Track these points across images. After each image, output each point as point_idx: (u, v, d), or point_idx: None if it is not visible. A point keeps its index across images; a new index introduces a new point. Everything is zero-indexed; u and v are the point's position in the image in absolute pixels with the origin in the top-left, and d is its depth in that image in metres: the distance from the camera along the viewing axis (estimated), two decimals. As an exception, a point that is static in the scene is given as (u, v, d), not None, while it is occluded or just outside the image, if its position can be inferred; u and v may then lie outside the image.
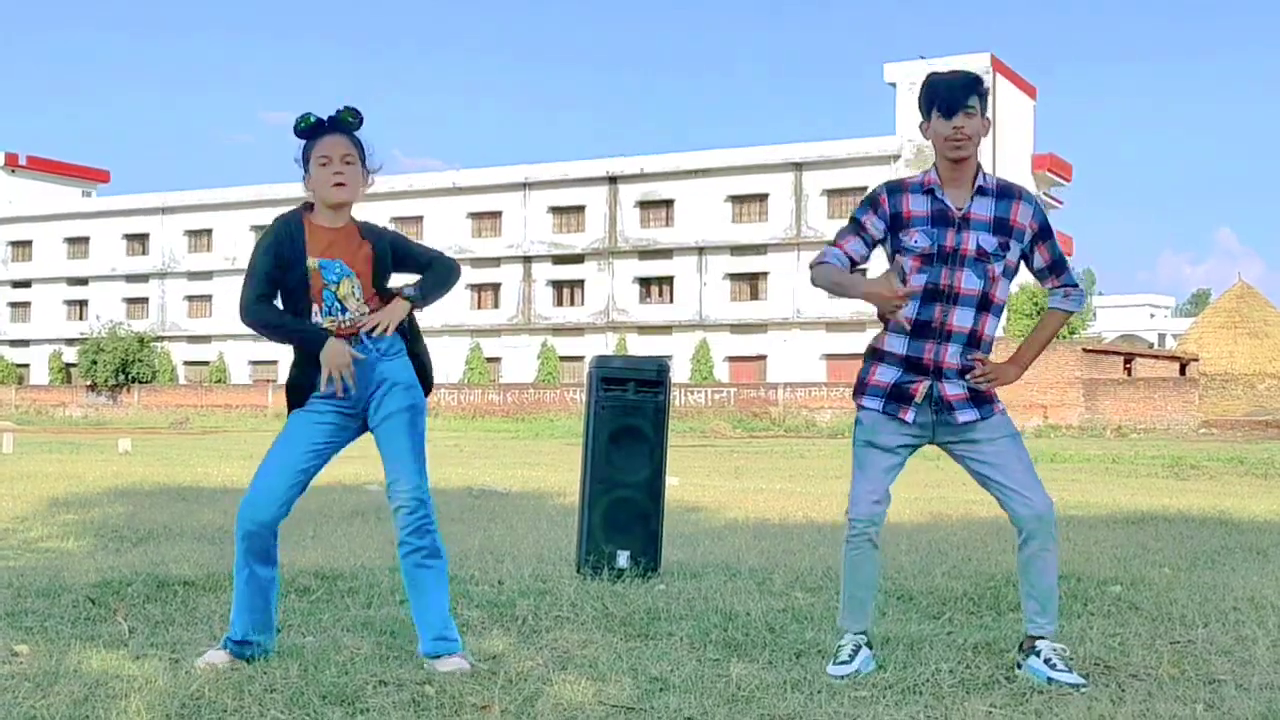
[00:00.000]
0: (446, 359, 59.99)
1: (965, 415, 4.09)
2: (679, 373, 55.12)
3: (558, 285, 62.06)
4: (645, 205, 60.32)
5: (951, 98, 4.01)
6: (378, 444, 4.21)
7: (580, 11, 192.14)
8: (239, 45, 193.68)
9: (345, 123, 4.19)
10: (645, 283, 60.52)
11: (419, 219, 62.00)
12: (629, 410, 6.09)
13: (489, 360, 61.59)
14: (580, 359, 57.29)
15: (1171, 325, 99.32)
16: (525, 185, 62.07)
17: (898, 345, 4.11)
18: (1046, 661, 4.01)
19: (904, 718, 3.55)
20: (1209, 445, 31.18)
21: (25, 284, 72.95)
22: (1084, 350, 45.69)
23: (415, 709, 3.58)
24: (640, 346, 57.39)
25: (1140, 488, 14.69)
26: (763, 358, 57.66)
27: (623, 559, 6.00)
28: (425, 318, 4.33)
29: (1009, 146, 56.44)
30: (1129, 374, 47.76)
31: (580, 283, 61.41)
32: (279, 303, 4.15)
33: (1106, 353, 48.82)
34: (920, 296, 4.05)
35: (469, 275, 62.22)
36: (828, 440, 35.89)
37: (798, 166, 57.08)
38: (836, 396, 49.59)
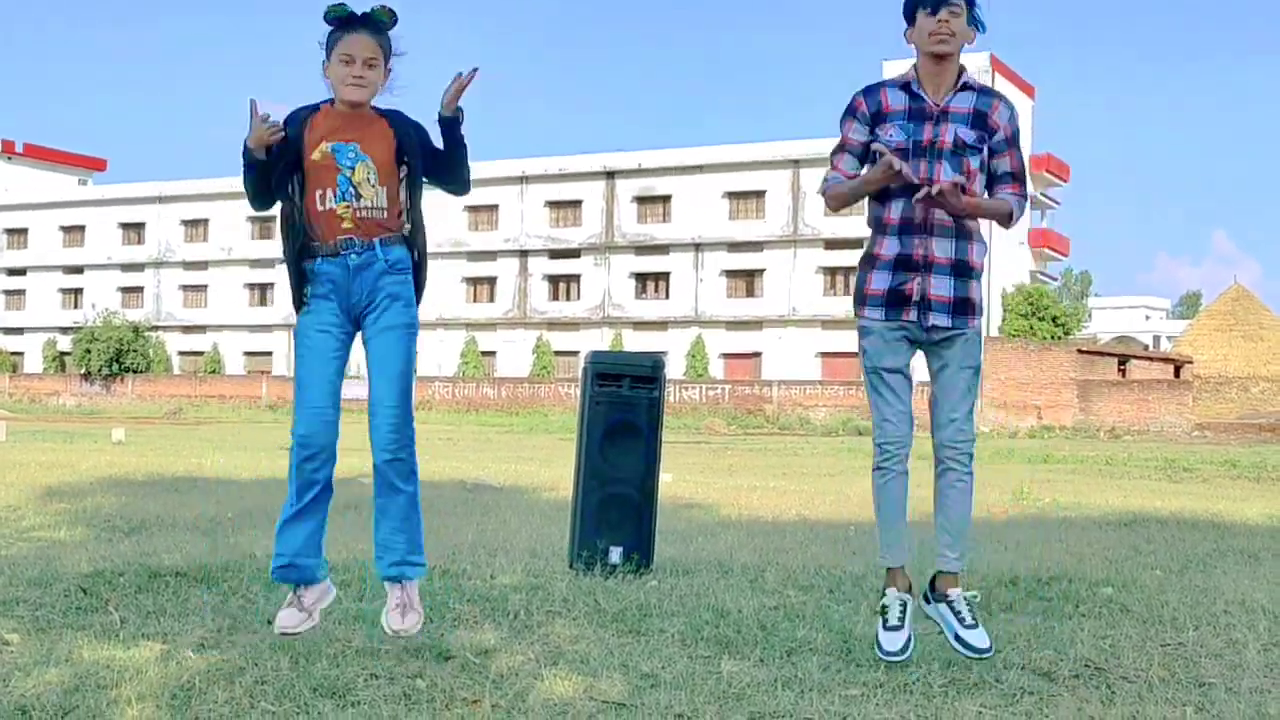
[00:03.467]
0: (441, 351, 60.00)
1: (938, 319, 4.10)
2: (674, 369, 55.12)
3: (554, 280, 62.04)
4: (642, 201, 60.32)
5: None
6: (368, 356, 4.15)
7: (579, 6, 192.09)
8: (238, 35, 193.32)
9: (379, 21, 4.07)
10: (641, 278, 60.53)
11: (416, 211, 61.80)
12: (623, 406, 6.09)
13: (484, 354, 61.58)
14: (575, 354, 57.30)
15: (1166, 327, 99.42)
16: (522, 179, 62.04)
17: (890, 247, 4.11)
18: (957, 614, 4.05)
19: (894, 717, 3.56)
20: (1202, 448, 31.24)
21: (20, 271, 72.88)
22: (1079, 351, 45.77)
23: (406, 702, 3.58)
24: (636, 342, 57.38)
25: (1133, 490, 14.71)
26: (758, 355, 57.69)
27: (615, 555, 6.00)
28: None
29: (1007, 147, 56.42)
30: (1123, 376, 47.84)
31: (576, 277, 61.40)
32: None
33: (1101, 354, 48.91)
34: (903, 193, 4.06)
35: (465, 269, 62.19)
36: (822, 438, 35.92)
37: (795, 163, 57.07)
38: (831, 394, 49.68)
